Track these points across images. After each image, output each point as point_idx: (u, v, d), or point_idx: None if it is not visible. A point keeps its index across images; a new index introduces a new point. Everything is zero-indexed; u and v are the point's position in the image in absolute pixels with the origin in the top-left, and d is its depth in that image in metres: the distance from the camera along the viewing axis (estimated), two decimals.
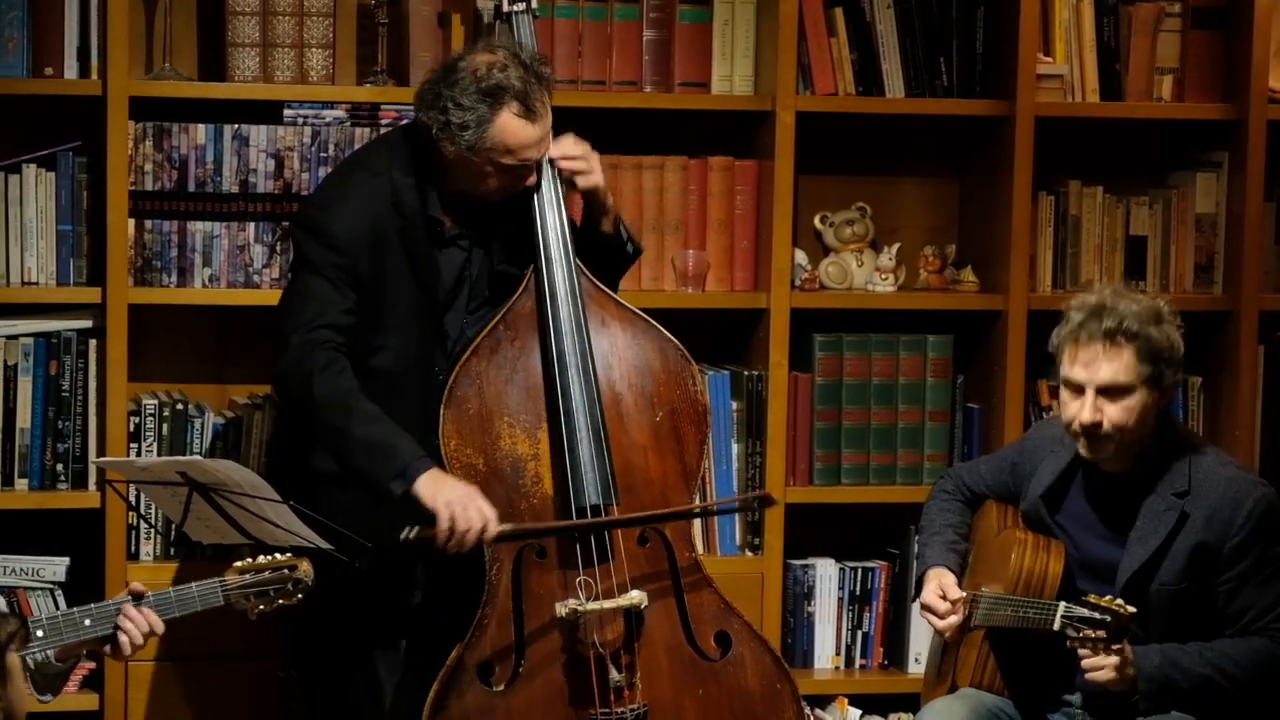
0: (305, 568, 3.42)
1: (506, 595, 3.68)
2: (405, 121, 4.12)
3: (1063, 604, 3.44)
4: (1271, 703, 3.58)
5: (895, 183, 4.59)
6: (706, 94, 4.34)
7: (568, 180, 3.80)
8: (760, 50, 4.34)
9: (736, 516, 4.36)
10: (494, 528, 3.58)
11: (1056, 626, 3.43)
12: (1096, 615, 3.39)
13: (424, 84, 3.74)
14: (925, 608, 3.67)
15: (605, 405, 3.74)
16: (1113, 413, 3.51)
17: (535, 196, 3.79)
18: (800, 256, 4.46)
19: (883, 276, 4.48)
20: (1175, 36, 4.53)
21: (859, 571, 4.46)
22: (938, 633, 3.69)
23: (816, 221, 4.53)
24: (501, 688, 3.67)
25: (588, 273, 3.80)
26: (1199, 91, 4.54)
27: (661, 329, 3.82)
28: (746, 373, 4.36)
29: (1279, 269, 4.62)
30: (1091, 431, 3.52)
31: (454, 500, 3.55)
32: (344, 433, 3.58)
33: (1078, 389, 3.53)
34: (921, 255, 4.54)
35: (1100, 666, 3.44)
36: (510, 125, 3.65)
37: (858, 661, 4.46)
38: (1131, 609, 3.40)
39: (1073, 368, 3.54)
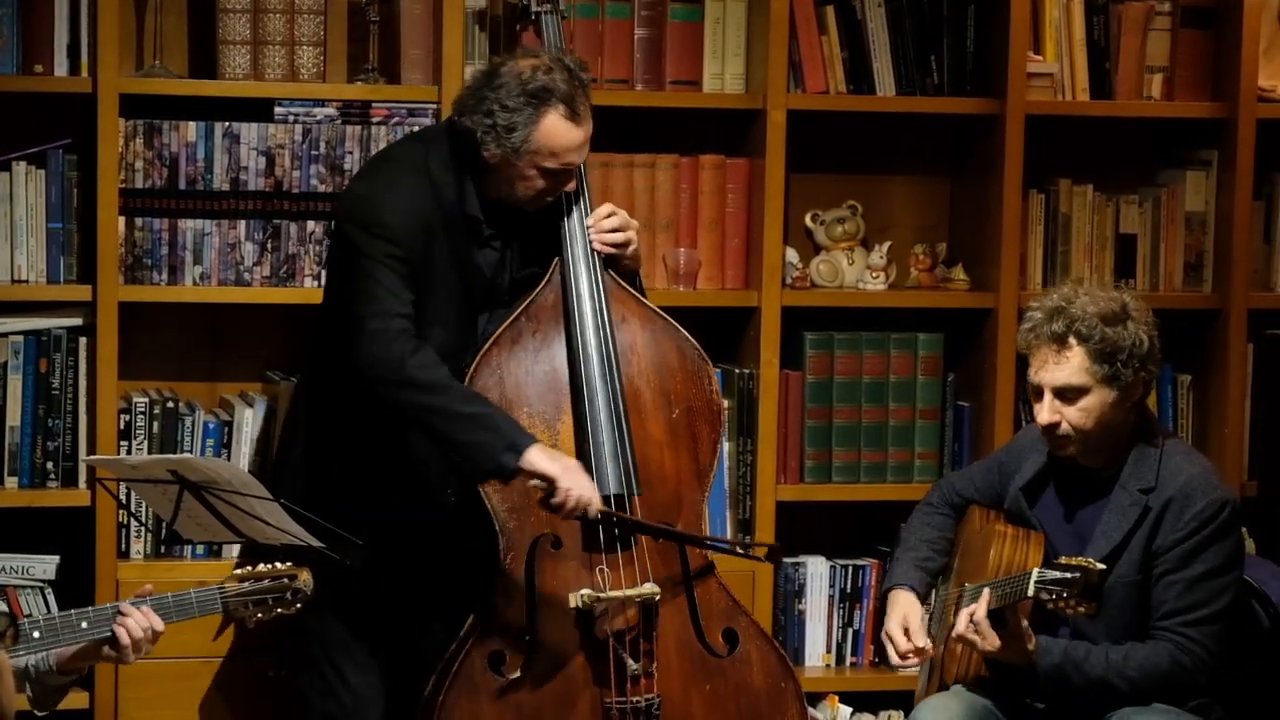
0: (305, 577, 3.43)
1: (519, 583, 3.70)
2: (410, 124, 4.13)
3: (1035, 570, 3.47)
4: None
5: (886, 181, 4.59)
6: (698, 92, 4.34)
7: (612, 256, 3.82)
8: (751, 48, 4.35)
9: (728, 515, 4.37)
10: (598, 502, 3.63)
11: (1031, 592, 3.45)
12: (1067, 575, 3.41)
13: (465, 89, 3.75)
14: (888, 637, 3.72)
15: (626, 398, 3.75)
16: (1070, 414, 3.55)
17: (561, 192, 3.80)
18: (791, 255, 4.46)
19: (874, 275, 4.49)
20: (1165, 35, 4.54)
21: (850, 569, 4.46)
22: (898, 659, 3.72)
23: (807, 220, 4.53)
24: (515, 675, 3.68)
25: (610, 270, 3.82)
26: (1188, 90, 4.55)
27: (679, 327, 3.85)
28: (738, 371, 4.37)
29: (1268, 267, 4.63)
30: (1051, 432, 3.56)
31: (570, 468, 3.61)
32: (448, 411, 3.59)
33: (1038, 390, 3.58)
34: (912, 253, 4.55)
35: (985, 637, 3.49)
36: (557, 127, 3.66)
37: (848, 659, 4.47)
38: (1101, 565, 3.42)
39: (1031, 370, 3.60)
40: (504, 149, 3.66)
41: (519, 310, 3.77)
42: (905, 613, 3.71)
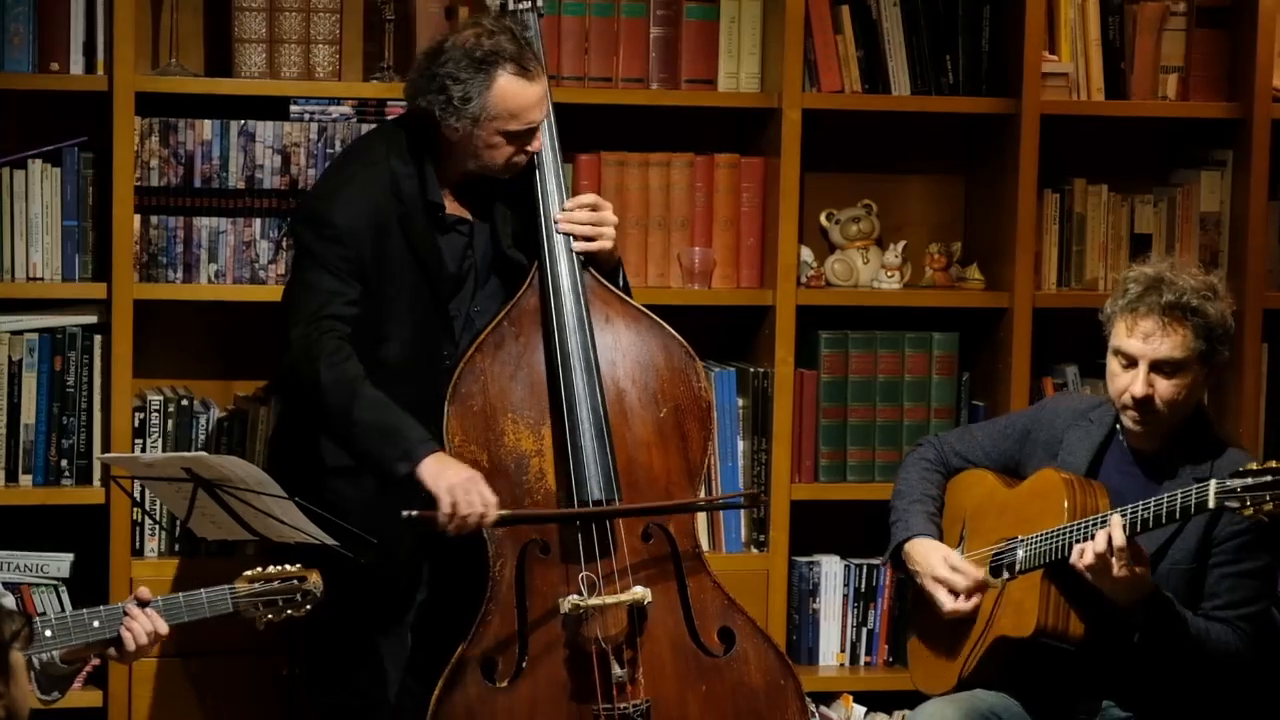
0: (315, 579, 3.42)
1: (510, 591, 3.68)
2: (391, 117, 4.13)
3: (1212, 481, 3.33)
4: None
5: (901, 180, 4.59)
6: (713, 91, 4.34)
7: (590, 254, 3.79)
8: (767, 47, 4.34)
9: (741, 514, 4.36)
10: (494, 513, 3.58)
11: (1213, 504, 3.30)
12: (1269, 477, 3.26)
13: (412, 73, 3.75)
14: (939, 581, 3.61)
15: (609, 401, 3.74)
16: (1164, 388, 3.49)
17: (539, 191, 3.79)
18: (806, 254, 4.46)
19: (888, 274, 4.48)
20: (1180, 35, 4.54)
21: (864, 569, 4.46)
22: (945, 612, 3.62)
23: (822, 219, 4.53)
24: (505, 683, 3.67)
25: (591, 270, 3.80)
26: (1203, 90, 4.54)
27: (665, 325, 3.82)
28: (752, 370, 4.36)
29: None
30: (1144, 405, 3.49)
31: (456, 485, 3.56)
32: (349, 417, 3.59)
33: (1131, 361, 3.50)
34: (927, 253, 4.54)
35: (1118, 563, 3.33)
36: (510, 87, 3.66)
37: (862, 659, 4.47)
38: None
39: (1129, 339, 3.50)
40: (464, 120, 3.66)
41: (501, 315, 3.76)
42: (944, 554, 3.63)
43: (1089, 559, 3.39)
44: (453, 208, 3.79)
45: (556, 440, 3.73)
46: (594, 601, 3.65)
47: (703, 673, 3.74)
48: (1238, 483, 3.31)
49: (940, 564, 3.64)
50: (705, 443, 3.81)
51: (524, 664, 3.67)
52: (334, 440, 3.68)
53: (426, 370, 3.74)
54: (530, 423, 3.74)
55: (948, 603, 3.62)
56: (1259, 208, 4.50)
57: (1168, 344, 3.48)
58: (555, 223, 3.78)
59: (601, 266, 3.83)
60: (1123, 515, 3.41)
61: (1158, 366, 3.49)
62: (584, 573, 3.68)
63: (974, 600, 3.61)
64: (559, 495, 3.72)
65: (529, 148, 3.73)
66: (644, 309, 3.84)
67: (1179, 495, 3.38)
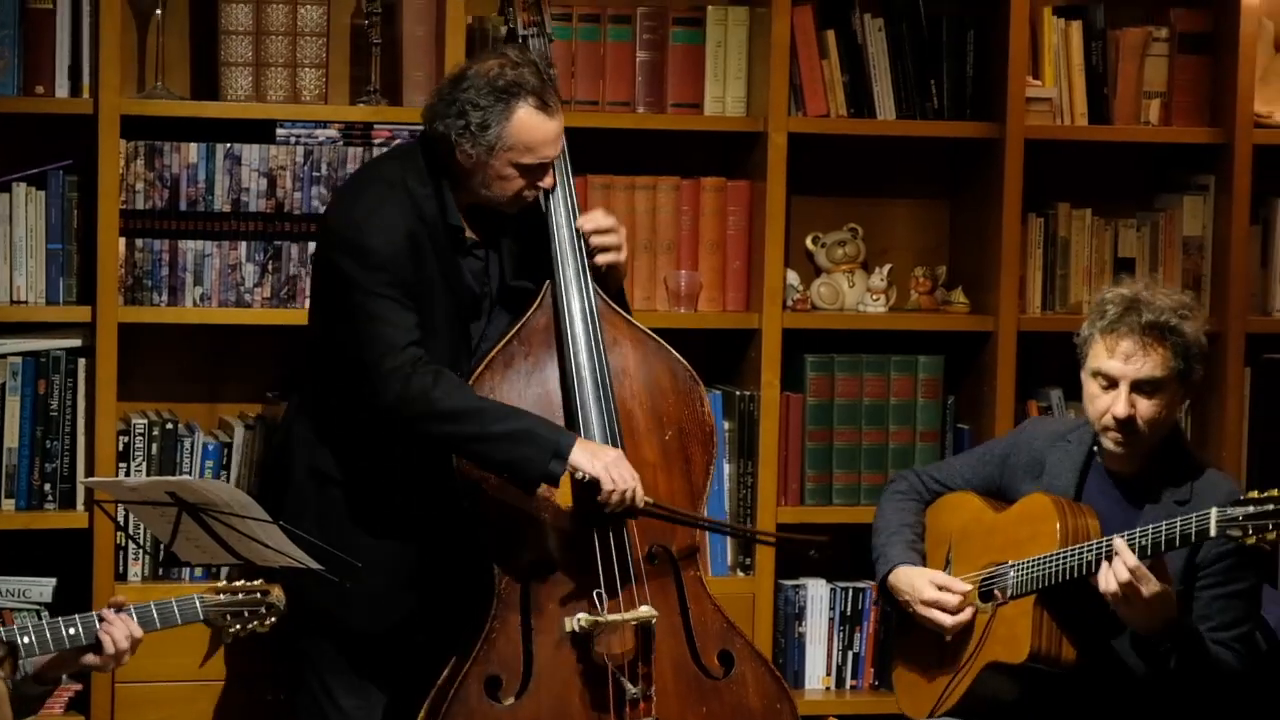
0: (277, 593, 3.47)
1: (515, 609, 3.69)
2: (398, 142, 4.13)
3: (1214, 509, 3.33)
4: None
5: (886, 204, 4.61)
6: (699, 115, 4.35)
7: (591, 254, 3.81)
8: (752, 72, 4.36)
9: (728, 537, 4.37)
10: (640, 491, 3.65)
11: (1214, 532, 3.31)
12: (1271, 506, 3.27)
13: (433, 96, 3.74)
14: (930, 604, 3.62)
15: (621, 419, 3.75)
16: (1145, 408, 3.50)
17: (551, 213, 3.80)
18: (792, 277, 4.47)
19: (874, 297, 4.49)
20: (1163, 61, 4.56)
21: (850, 592, 4.46)
22: (947, 629, 3.61)
23: (808, 242, 4.54)
24: (510, 701, 3.66)
25: (600, 292, 3.82)
26: (1186, 115, 4.57)
27: (671, 349, 3.84)
28: (738, 393, 4.36)
29: (1265, 291, 4.64)
30: (1125, 426, 3.51)
31: (610, 463, 3.63)
32: (484, 436, 3.61)
33: (1111, 383, 3.52)
34: (912, 276, 4.56)
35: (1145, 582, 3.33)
36: (529, 120, 3.66)
37: (848, 682, 4.46)
38: None
39: (1110, 360, 3.51)
40: (479, 148, 3.66)
41: (511, 334, 3.77)
42: (929, 576, 3.64)
43: (1116, 583, 3.36)
44: (469, 232, 3.79)
45: None
46: (612, 618, 3.66)
47: (704, 694, 3.75)
48: (1239, 511, 3.32)
49: (927, 587, 3.64)
50: (708, 466, 3.83)
51: (528, 682, 3.68)
52: (468, 458, 3.67)
53: None
54: None
55: (947, 621, 3.62)
56: (1241, 232, 4.52)
57: (1149, 364, 3.50)
58: (577, 228, 3.78)
59: (608, 288, 3.84)
60: (1126, 539, 3.41)
61: (1138, 386, 3.50)
62: (596, 590, 3.69)
63: (970, 611, 3.61)
64: (573, 510, 3.72)
65: (540, 183, 3.74)
66: (650, 332, 3.86)
67: (1178, 523, 3.38)
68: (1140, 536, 3.41)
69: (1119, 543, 3.39)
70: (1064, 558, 3.47)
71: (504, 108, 3.65)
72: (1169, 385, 3.51)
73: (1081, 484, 3.62)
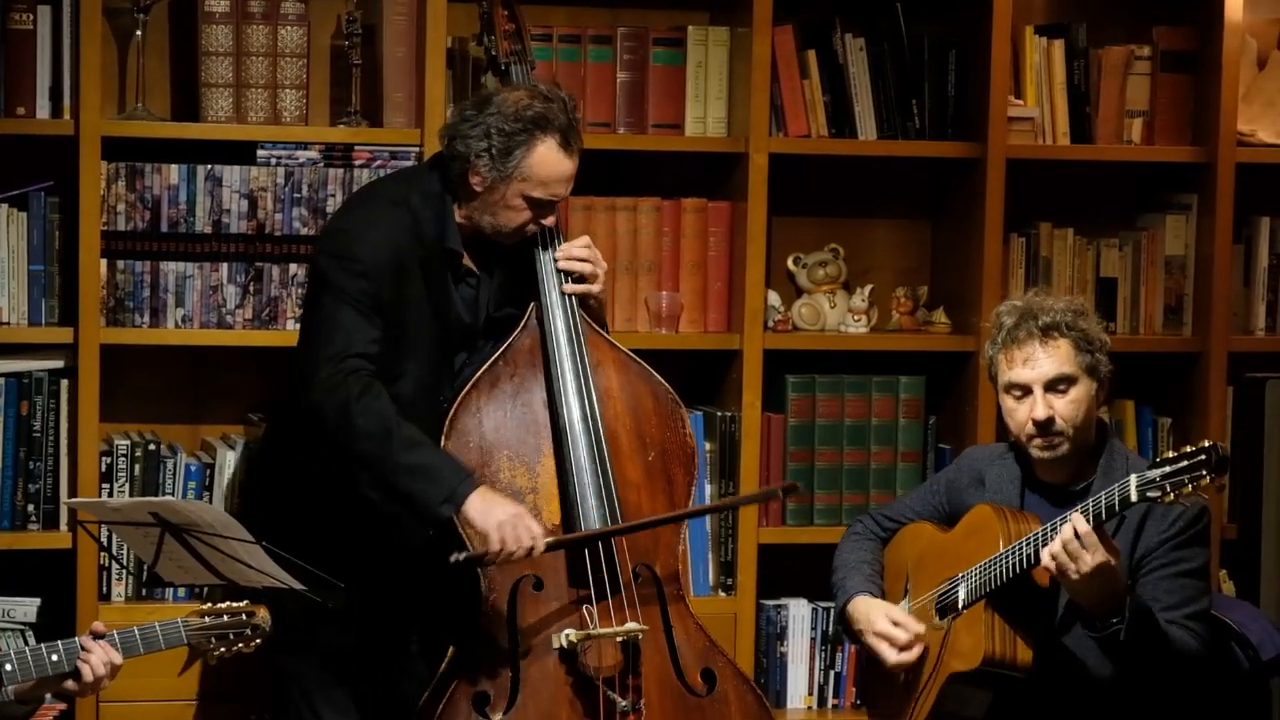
0: (263, 614, 3.47)
1: (502, 625, 3.70)
2: (379, 163, 4.14)
3: (1132, 475, 3.39)
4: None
5: (868, 224, 4.61)
6: (680, 135, 4.36)
7: (572, 281, 3.82)
8: (733, 92, 4.36)
9: (709, 557, 4.37)
10: (541, 543, 3.62)
11: (1135, 498, 3.37)
12: (1184, 462, 3.33)
13: (454, 116, 3.76)
14: (881, 636, 3.67)
15: (607, 439, 3.76)
16: (1062, 407, 3.58)
17: (537, 234, 3.80)
18: (773, 298, 4.47)
19: (855, 318, 4.50)
20: (1145, 80, 4.57)
21: (831, 612, 4.45)
22: (890, 664, 3.66)
23: (789, 263, 4.54)
24: (498, 717, 3.68)
25: (583, 314, 3.83)
26: (1168, 134, 4.57)
27: (653, 372, 3.85)
28: (720, 413, 4.37)
29: (1247, 310, 4.65)
30: (1046, 428, 3.58)
31: (504, 522, 3.58)
32: (387, 460, 3.59)
33: (1025, 391, 3.60)
34: (894, 297, 4.56)
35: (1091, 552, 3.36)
36: (550, 155, 3.69)
37: (830, 701, 4.47)
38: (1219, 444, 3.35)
39: (1019, 369, 3.60)
40: (495, 173, 3.68)
41: (496, 355, 3.78)
42: (885, 609, 3.69)
43: (1056, 551, 3.40)
44: (466, 260, 3.80)
45: (552, 478, 3.75)
46: (604, 631, 3.67)
47: (688, 712, 3.76)
48: (1156, 473, 3.38)
49: (880, 618, 3.69)
50: (689, 487, 3.84)
51: (517, 698, 3.68)
52: (369, 485, 3.66)
53: (428, 411, 3.74)
54: (526, 460, 3.76)
55: (891, 656, 3.67)
56: (1224, 251, 4.52)
57: (1053, 361, 3.59)
58: (555, 260, 3.79)
59: (591, 312, 3.86)
60: (1052, 526, 3.47)
61: (1050, 386, 3.59)
62: (589, 606, 3.69)
63: (916, 650, 3.65)
64: (560, 530, 3.74)
65: (544, 220, 3.76)
66: (633, 355, 3.87)
67: (1102, 497, 3.44)
68: (1080, 512, 3.44)
69: (1074, 515, 3.42)
70: (1007, 556, 3.53)
71: (528, 138, 3.67)
72: (1079, 380, 3.59)
73: (1022, 497, 3.68)
